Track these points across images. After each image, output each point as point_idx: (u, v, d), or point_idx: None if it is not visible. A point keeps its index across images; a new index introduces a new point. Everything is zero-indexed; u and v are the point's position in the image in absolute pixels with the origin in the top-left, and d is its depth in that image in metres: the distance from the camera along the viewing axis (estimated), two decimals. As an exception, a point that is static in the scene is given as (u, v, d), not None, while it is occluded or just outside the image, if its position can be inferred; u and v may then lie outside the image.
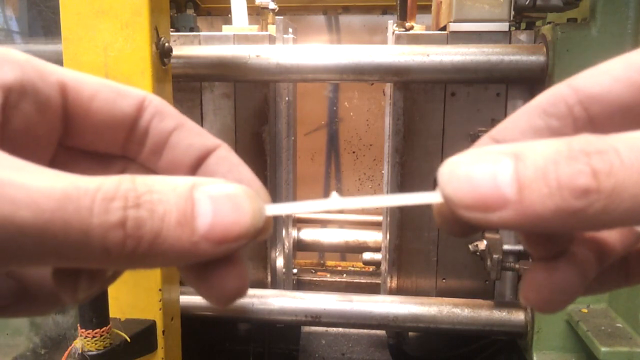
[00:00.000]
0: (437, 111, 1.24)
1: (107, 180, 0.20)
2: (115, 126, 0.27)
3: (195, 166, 0.28)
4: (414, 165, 1.26)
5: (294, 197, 1.50)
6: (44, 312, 0.28)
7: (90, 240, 0.20)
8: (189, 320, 1.18)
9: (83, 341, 0.86)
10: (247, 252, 1.35)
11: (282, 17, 1.33)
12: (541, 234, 0.24)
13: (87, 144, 0.28)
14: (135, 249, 0.20)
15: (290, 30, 1.40)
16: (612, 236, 0.27)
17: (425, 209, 1.27)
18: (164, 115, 0.28)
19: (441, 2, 1.30)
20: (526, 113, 0.26)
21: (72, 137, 0.27)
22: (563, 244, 0.25)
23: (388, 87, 1.29)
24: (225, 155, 0.28)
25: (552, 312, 0.25)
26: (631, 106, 0.23)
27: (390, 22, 1.29)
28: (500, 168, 0.20)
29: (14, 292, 0.26)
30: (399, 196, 0.25)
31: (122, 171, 0.29)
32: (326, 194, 2.28)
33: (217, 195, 0.22)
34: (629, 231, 0.27)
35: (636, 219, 0.20)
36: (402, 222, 1.29)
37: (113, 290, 0.94)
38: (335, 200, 0.25)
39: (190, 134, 0.28)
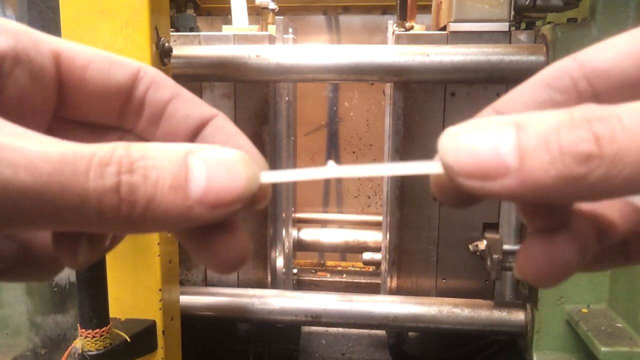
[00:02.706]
0: (437, 111, 1.24)
1: (103, 146, 0.21)
2: (110, 96, 0.27)
3: (193, 135, 0.28)
4: (414, 165, 1.26)
5: (293, 197, 1.50)
6: (44, 277, 0.28)
7: (86, 204, 0.20)
8: (189, 320, 1.18)
9: (83, 341, 0.86)
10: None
11: (282, 17, 1.33)
12: (541, 204, 0.24)
13: (82, 114, 0.28)
14: (130, 213, 0.21)
15: (290, 30, 1.40)
16: (614, 215, 0.26)
17: (425, 209, 1.27)
18: (160, 85, 0.28)
19: (441, 2, 1.30)
20: (530, 86, 0.26)
21: (67, 107, 0.27)
22: (562, 216, 0.24)
23: (388, 87, 1.29)
24: (223, 124, 0.28)
25: (548, 286, 0.25)
26: (636, 81, 0.23)
27: (390, 22, 1.29)
28: (502, 136, 0.20)
29: (15, 255, 0.26)
30: (398, 165, 0.25)
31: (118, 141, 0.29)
32: (326, 194, 2.28)
33: (212, 160, 0.22)
34: (632, 212, 0.27)
35: (638, 186, 0.19)
36: (402, 222, 1.29)
37: (113, 290, 0.94)
38: (332, 169, 0.25)
39: (187, 104, 0.28)
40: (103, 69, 0.27)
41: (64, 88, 0.27)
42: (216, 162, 0.22)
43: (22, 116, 0.25)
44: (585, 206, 0.26)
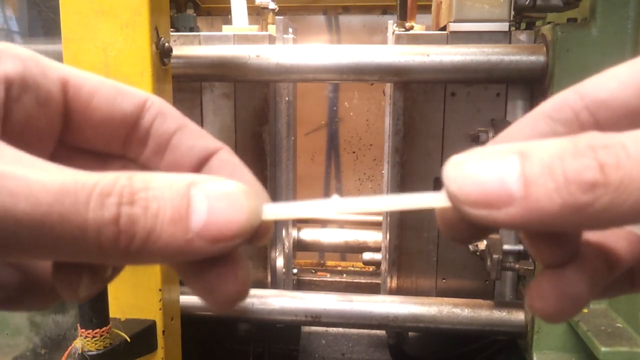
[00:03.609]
0: (437, 111, 1.24)
1: (106, 176, 0.21)
2: (116, 125, 0.27)
3: (197, 168, 0.28)
4: (414, 165, 1.26)
5: (294, 197, 1.50)
6: (45, 307, 0.28)
7: (86, 235, 0.20)
8: (189, 320, 1.18)
9: (83, 341, 0.86)
10: (247, 252, 1.35)
11: (282, 17, 1.33)
12: (547, 235, 0.24)
13: (87, 142, 0.28)
14: (128, 244, 0.20)
15: (290, 30, 1.40)
16: (621, 245, 0.26)
17: (425, 209, 1.27)
18: (166, 116, 0.28)
19: (441, 2, 1.30)
20: (531, 119, 0.25)
21: (72, 134, 0.27)
22: (571, 248, 0.24)
23: (388, 87, 1.29)
24: (227, 158, 0.28)
25: (558, 322, 0.25)
26: (638, 110, 0.23)
27: (390, 22, 1.29)
28: (506, 165, 0.20)
29: (18, 284, 0.26)
30: (402, 197, 0.24)
31: (122, 170, 0.29)
32: (326, 194, 2.28)
33: (214, 193, 0.22)
34: (638, 241, 0.26)
35: None
36: (402, 222, 1.29)
37: (113, 290, 0.94)
38: (335, 202, 0.25)
39: (192, 136, 0.28)
40: (109, 98, 0.27)
41: (70, 115, 0.27)
42: (218, 194, 0.22)
43: (27, 141, 0.25)
44: (592, 237, 0.26)
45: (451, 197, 0.22)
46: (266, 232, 0.24)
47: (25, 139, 0.25)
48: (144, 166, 0.29)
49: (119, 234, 0.20)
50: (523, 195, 0.20)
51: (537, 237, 0.24)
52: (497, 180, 0.20)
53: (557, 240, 0.24)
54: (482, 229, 0.24)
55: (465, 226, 0.24)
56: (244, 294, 0.25)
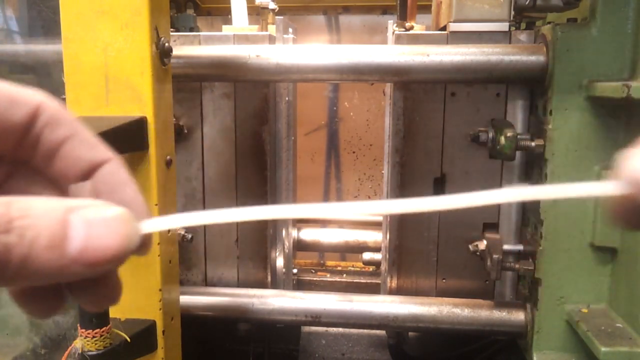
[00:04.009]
0: (437, 111, 1.24)
1: None
2: (6, 133, 0.27)
3: (84, 177, 0.28)
4: (414, 165, 1.26)
5: (294, 197, 1.50)
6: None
7: None
8: (189, 320, 1.18)
9: (83, 341, 0.86)
10: (247, 252, 1.35)
11: (282, 17, 1.33)
12: None
13: None
14: (3, 269, 0.21)
15: (290, 30, 1.40)
16: None
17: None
18: (58, 123, 0.28)
19: (441, 2, 1.30)
20: None
21: None
22: None
23: (388, 87, 1.29)
24: (113, 171, 0.29)
25: None
26: None
27: (390, 22, 1.29)
28: None
29: None
30: (564, 187, 0.25)
31: (16, 174, 0.29)
32: (326, 194, 2.28)
33: (92, 218, 0.23)
34: None
35: None
36: (402, 222, 1.29)
37: (113, 290, 0.94)
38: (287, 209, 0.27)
39: (80, 146, 0.28)
40: (2, 108, 0.27)
41: None
42: (96, 220, 0.23)
43: None
44: None
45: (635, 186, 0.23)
46: (148, 244, 0.25)
47: None
48: (37, 169, 0.29)
49: None
50: None
51: None
52: None
53: None
54: None
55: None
56: (113, 303, 0.26)
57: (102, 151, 0.29)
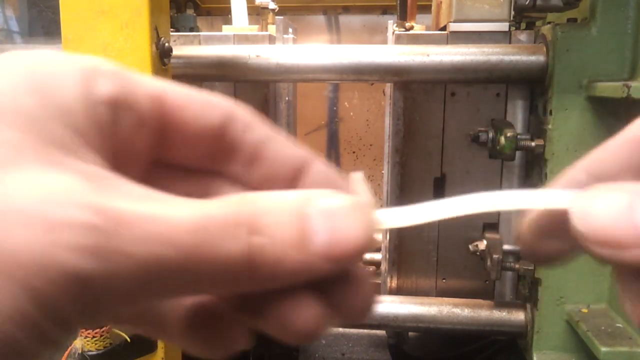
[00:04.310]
0: (437, 111, 1.24)
1: (230, 204, 0.20)
2: (204, 138, 0.26)
3: (292, 179, 0.26)
4: (414, 165, 1.26)
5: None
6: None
7: (222, 269, 0.20)
8: (189, 320, 1.18)
9: (83, 341, 0.86)
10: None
11: (282, 17, 1.33)
12: None
13: (178, 158, 0.27)
14: (257, 274, 0.20)
15: (290, 30, 1.40)
16: None
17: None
18: (253, 126, 0.26)
19: (441, 2, 1.30)
20: (625, 146, 0.25)
21: (164, 152, 0.26)
22: None
23: (388, 87, 1.29)
24: (323, 170, 0.27)
25: None
26: None
27: (390, 22, 1.29)
28: (637, 205, 0.21)
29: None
30: (523, 194, 0.23)
31: (213, 186, 0.28)
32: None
33: (329, 209, 0.21)
34: None
35: None
36: (402, 222, 1.28)
37: (113, 290, 0.94)
38: (450, 203, 0.24)
39: (284, 146, 0.27)
40: (200, 110, 0.25)
41: (163, 133, 0.25)
42: (334, 210, 0.21)
43: (128, 166, 0.24)
44: None
45: (577, 233, 0.22)
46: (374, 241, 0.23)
47: (126, 164, 0.24)
48: (236, 179, 0.27)
49: (250, 264, 0.20)
50: None
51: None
52: (627, 221, 0.21)
53: None
54: (577, 253, 0.24)
55: (564, 250, 0.24)
56: (369, 309, 0.24)
57: (307, 151, 0.27)
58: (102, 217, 0.18)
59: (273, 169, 0.26)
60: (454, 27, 1.19)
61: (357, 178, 0.26)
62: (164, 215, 0.19)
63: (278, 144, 0.27)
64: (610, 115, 1.06)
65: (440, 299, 1.24)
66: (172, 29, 1.19)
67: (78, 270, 0.17)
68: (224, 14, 1.96)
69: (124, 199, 0.19)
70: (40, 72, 0.21)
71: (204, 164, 0.27)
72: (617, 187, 0.22)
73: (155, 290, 0.19)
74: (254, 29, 1.33)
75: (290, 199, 0.21)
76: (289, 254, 0.20)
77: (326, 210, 0.21)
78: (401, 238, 1.29)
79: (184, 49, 1.19)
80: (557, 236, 0.25)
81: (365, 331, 1.57)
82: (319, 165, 0.27)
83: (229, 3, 1.40)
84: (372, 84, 1.81)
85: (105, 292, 0.18)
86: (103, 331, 0.87)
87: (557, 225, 0.24)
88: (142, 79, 0.24)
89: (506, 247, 1.20)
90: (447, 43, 1.19)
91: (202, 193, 0.27)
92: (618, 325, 1.05)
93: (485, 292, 1.29)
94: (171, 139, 0.25)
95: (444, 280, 1.30)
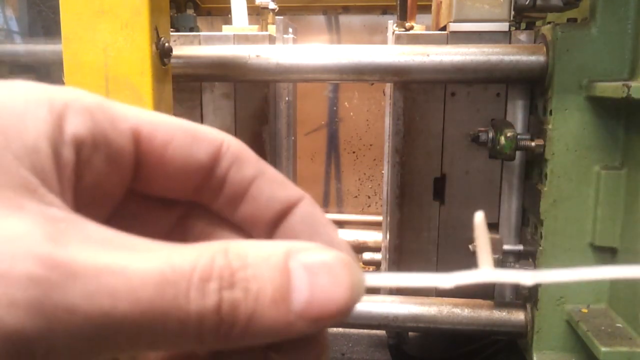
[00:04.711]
0: (437, 111, 1.24)
1: (201, 255, 0.19)
2: (189, 173, 0.25)
3: (277, 220, 0.25)
4: (414, 165, 1.26)
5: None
6: None
7: (187, 327, 0.18)
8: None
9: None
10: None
11: (282, 17, 1.33)
12: None
13: (158, 191, 0.26)
14: (229, 331, 0.19)
15: (290, 30, 1.40)
16: None
17: (425, 209, 1.27)
18: (243, 162, 0.25)
19: (441, 2, 1.31)
20: None
21: (142, 184, 0.25)
22: None
23: (388, 87, 1.29)
24: (309, 211, 0.25)
25: None
26: None
27: (390, 22, 1.29)
28: None
29: None
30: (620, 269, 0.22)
31: (189, 217, 0.27)
32: (326, 194, 2.28)
33: (313, 265, 0.20)
34: None
35: None
36: (402, 222, 1.29)
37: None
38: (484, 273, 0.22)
39: (271, 184, 0.25)
40: (184, 146, 0.24)
41: (141, 166, 0.24)
42: (318, 267, 0.20)
43: (96, 200, 0.23)
44: None
45: None
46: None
47: (94, 199, 0.23)
48: (218, 213, 0.26)
49: (220, 322, 0.19)
50: None
51: None
52: None
53: None
54: None
55: None
56: None
57: (294, 190, 0.26)
58: (49, 268, 0.16)
59: (259, 209, 0.25)
60: (454, 27, 1.19)
61: (479, 221, 0.24)
62: (122, 267, 0.17)
63: (266, 182, 0.25)
64: (610, 115, 1.06)
65: (440, 299, 1.24)
66: (172, 29, 1.19)
67: (12, 327, 0.16)
68: (224, 14, 1.96)
69: (80, 247, 0.17)
70: (6, 108, 0.20)
71: (187, 196, 0.26)
72: None
73: (107, 346, 0.18)
74: (254, 29, 1.33)
75: (272, 251, 0.20)
76: (266, 311, 0.19)
77: (307, 265, 0.20)
78: (401, 238, 1.29)
79: (184, 49, 1.19)
80: None
81: (365, 331, 1.57)
82: (306, 207, 0.25)
83: (229, 3, 1.40)
84: (372, 84, 1.82)
85: (47, 350, 0.17)
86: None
87: None
88: (122, 112, 0.23)
89: (506, 247, 1.20)
90: (447, 43, 1.19)
91: (181, 225, 0.26)
92: (618, 325, 1.05)
93: (485, 292, 1.29)
94: (152, 174, 0.24)
95: (444, 280, 1.30)
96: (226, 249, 0.19)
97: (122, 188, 0.24)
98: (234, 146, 0.25)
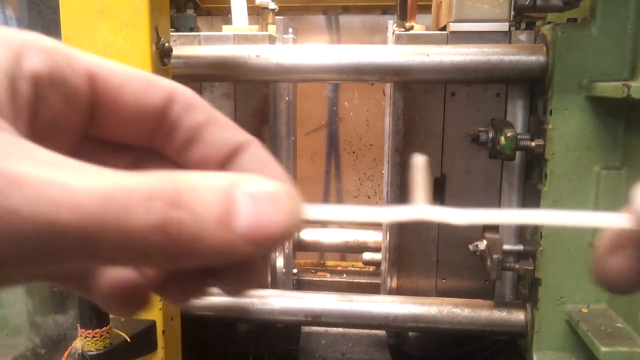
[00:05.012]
0: (437, 111, 1.24)
1: (147, 178, 0.20)
2: (144, 118, 0.26)
3: (226, 161, 0.27)
4: (414, 165, 1.26)
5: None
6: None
7: (131, 241, 0.19)
8: (189, 320, 1.18)
9: (83, 341, 0.86)
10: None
11: (282, 17, 1.33)
12: None
13: (113, 135, 0.27)
14: (174, 249, 0.20)
15: (290, 30, 1.40)
16: None
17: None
18: (195, 108, 0.27)
19: (441, 2, 1.30)
20: None
21: (98, 128, 0.26)
22: None
23: (388, 87, 1.29)
24: (257, 152, 0.27)
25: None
26: None
27: (390, 22, 1.29)
28: None
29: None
30: (573, 214, 0.23)
31: (143, 162, 0.28)
32: (326, 194, 2.28)
33: (257, 193, 0.21)
34: None
35: None
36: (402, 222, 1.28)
37: (113, 290, 0.94)
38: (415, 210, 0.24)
39: (222, 128, 0.27)
40: (138, 90, 0.26)
41: (97, 110, 0.25)
42: (261, 195, 0.21)
43: (52, 138, 0.24)
44: None
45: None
46: (302, 224, 0.24)
47: (50, 137, 0.24)
48: (171, 158, 0.28)
49: (166, 239, 0.20)
50: None
51: None
52: None
53: None
54: None
55: (637, 270, 0.23)
56: (257, 287, 0.25)
57: (244, 134, 0.27)
58: None
59: (209, 151, 0.27)
60: (454, 27, 1.19)
61: (418, 162, 0.26)
62: (67, 182, 0.18)
63: (217, 127, 0.27)
64: (610, 115, 1.05)
65: (440, 299, 1.24)
66: (172, 29, 1.19)
67: None
68: (224, 14, 1.96)
69: (27, 163, 0.18)
70: None
71: (141, 141, 0.27)
72: None
73: (54, 256, 0.19)
74: (254, 29, 1.33)
75: (218, 179, 0.21)
76: (209, 231, 0.20)
77: (252, 193, 0.21)
78: (401, 238, 1.29)
79: (184, 49, 1.19)
80: (626, 252, 0.24)
81: (365, 331, 1.57)
82: (255, 149, 0.27)
83: (229, 3, 1.40)
84: (372, 84, 1.81)
85: None
86: (103, 331, 0.87)
87: (625, 240, 0.24)
88: (79, 56, 0.24)
89: (506, 247, 1.20)
90: (447, 43, 1.19)
91: (135, 169, 0.27)
92: (618, 325, 1.05)
93: (485, 292, 1.29)
94: (107, 117, 0.26)
95: (444, 280, 1.30)
96: (173, 175, 0.21)
97: (79, 129, 0.26)
98: (186, 93, 0.27)
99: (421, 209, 0.25)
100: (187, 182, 0.21)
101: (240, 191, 0.21)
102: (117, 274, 0.25)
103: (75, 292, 0.27)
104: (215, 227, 0.20)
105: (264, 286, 1.35)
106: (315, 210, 0.23)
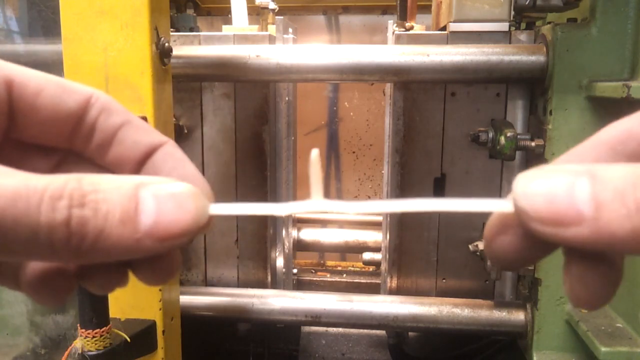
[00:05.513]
0: (437, 111, 1.24)
1: (55, 179, 0.21)
2: (61, 121, 0.28)
3: (142, 162, 0.29)
4: (414, 165, 1.26)
5: (294, 197, 1.50)
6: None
7: (38, 237, 0.21)
8: (189, 320, 1.18)
9: (83, 341, 0.86)
10: (247, 252, 1.35)
11: (282, 17, 1.33)
12: (594, 254, 0.24)
13: (33, 138, 0.28)
14: (79, 245, 0.21)
15: (290, 30, 1.40)
16: None
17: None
18: (111, 111, 0.28)
19: (441, 2, 1.30)
20: (593, 148, 0.25)
21: (17, 131, 0.28)
22: (612, 270, 0.24)
23: (388, 87, 1.29)
24: (171, 152, 0.29)
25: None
26: None
27: (390, 22, 1.29)
28: (578, 185, 0.21)
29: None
30: (458, 201, 0.24)
31: (64, 164, 0.30)
32: (326, 194, 2.28)
33: (161, 194, 0.23)
34: None
35: None
36: (402, 222, 1.29)
37: (113, 290, 0.94)
38: (317, 203, 0.26)
39: (137, 131, 0.29)
40: (54, 96, 0.27)
41: (15, 113, 0.27)
42: (166, 195, 0.23)
43: None
44: None
45: (520, 212, 0.22)
46: (208, 226, 0.25)
47: None
48: (91, 159, 0.29)
49: (70, 235, 0.21)
50: (593, 217, 0.20)
51: (582, 256, 0.24)
52: (568, 199, 0.21)
53: (601, 260, 0.24)
54: (533, 253, 0.24)
55: (518, 248, 0.24)
56: (170, 280, 0.27)
57: (158, 135, 0.29)
58: None
59: (126, 152, 0.28)
60: (454, 27, 1.19)
61: (314, 157, 0.27)
62: None
63: (132, 129, 0.29)
64: (610, 115, 1.05)
65: (440, 299, 1.24)
66: (172, 29, 1.19)
67: None
68: (224, 14, 1.96)
69: None
70: None
71: (62, 144, 0.29)
72: (559, 168, 0.22)
73: None
74: (254, 29, 1.33)
75: (124, 181, 0.23)
76: (113, 228, 0.22)
77: (157, 193, 0.23)
78: (401, 238, 1.29)
79: (184, 49, 1.19)
80: (510, 232, 0.25)
81: (365, 331, 1.57)
82: (169, 150, 0.29)
83: (229, 3, 1.40)
84: (372, 84, 1.82)
85: None
86: (103, 331, 0.87)
87: (509, 222, 0.25)
88: None
89: (506, 247, 1.19)
90: (447, 43, 1.19)
91: (57, 171, 0.28)
92: (618, 325, 1.05)
93: (485, 292, 1.29)
94: (26, 121, 0.27)
95: (444, 280, 1.30)
96: (80, 177, 0.22)
97: None
98: (102, 98, 0.29)
99: (316, 202, 0.26)
100: (94, 183, 0.22)
101: (144, 192, 0.22)
102: (41, 265, 0.27)
103: (4, 284, 0.28)
104: (118, 225, 0.22)
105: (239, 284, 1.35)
106: (219, 208, 0.25)
